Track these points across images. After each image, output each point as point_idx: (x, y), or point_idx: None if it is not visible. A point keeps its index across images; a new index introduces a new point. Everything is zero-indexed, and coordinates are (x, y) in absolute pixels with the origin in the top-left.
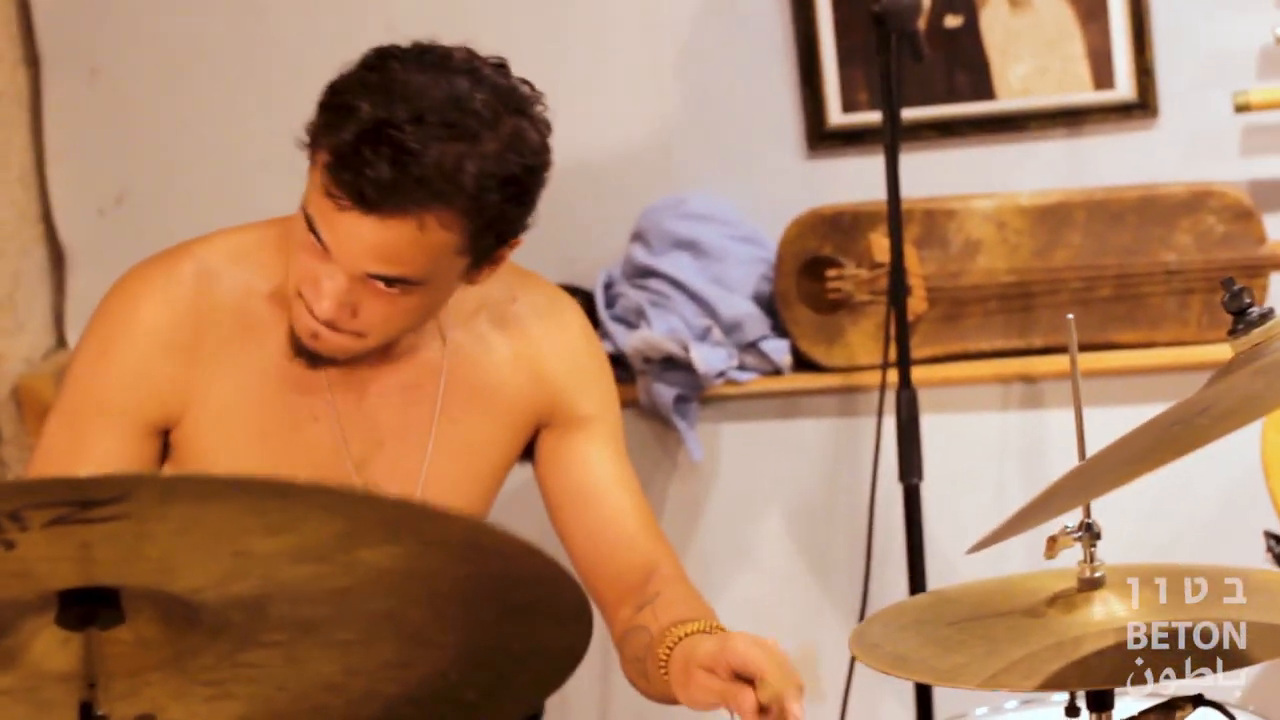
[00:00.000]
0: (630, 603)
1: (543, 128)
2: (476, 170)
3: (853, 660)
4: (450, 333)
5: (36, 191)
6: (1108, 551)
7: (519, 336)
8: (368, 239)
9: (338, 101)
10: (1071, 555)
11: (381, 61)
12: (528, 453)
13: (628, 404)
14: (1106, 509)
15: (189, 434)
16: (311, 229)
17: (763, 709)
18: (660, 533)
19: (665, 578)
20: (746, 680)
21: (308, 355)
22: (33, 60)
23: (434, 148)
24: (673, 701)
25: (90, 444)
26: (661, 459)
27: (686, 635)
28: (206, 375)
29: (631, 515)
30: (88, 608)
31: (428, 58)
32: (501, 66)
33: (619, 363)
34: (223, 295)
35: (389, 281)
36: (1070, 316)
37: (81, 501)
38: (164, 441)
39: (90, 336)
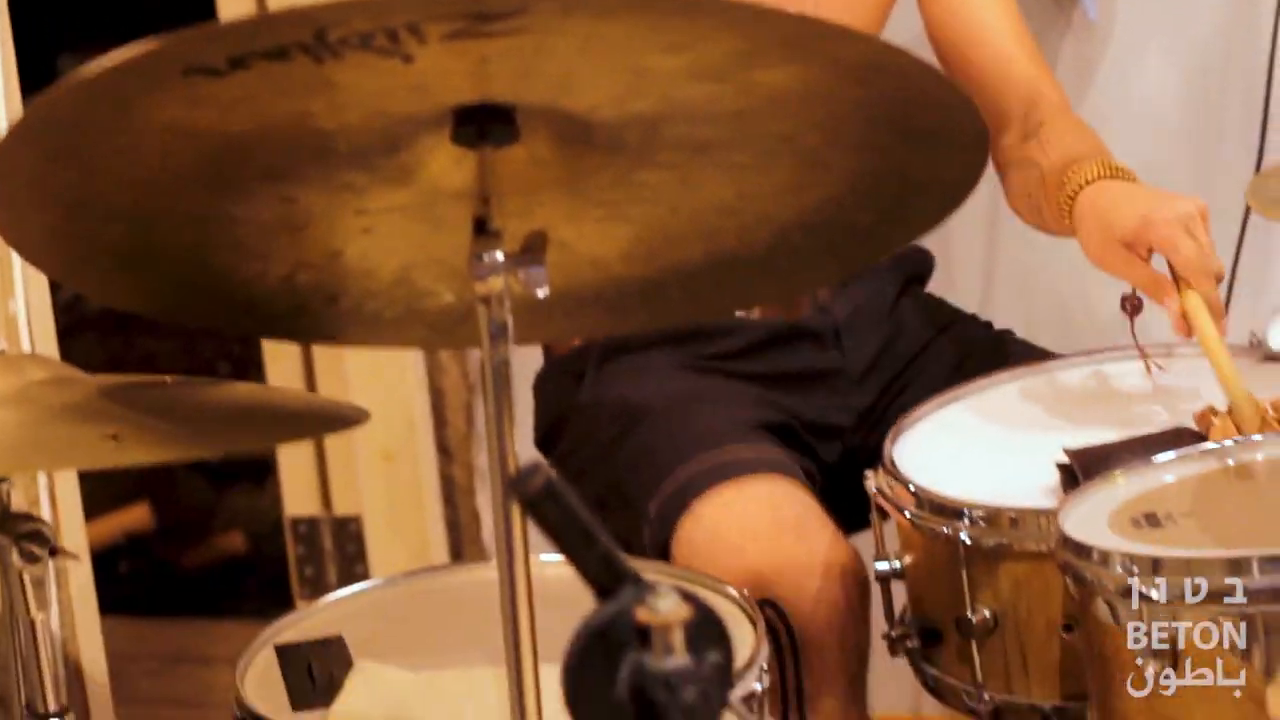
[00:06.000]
0: (1012, 130)
1: None
2: None
3: (1246, 213)
4: None
5: None
6: None
7: None
8: None
9: None
10: None
11: None
12: None
13: None
14: None
15: None
16: None
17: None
18: (1042, 60)
19: (1050, 106)
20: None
21: None
22: None
23: None
24: (1063, 234)
25: None
26: (1056, 17)
27: (1088, 182)
28: None
29: (1008, 31)
30: (483, 124)
31: None
32: None
33: None
34: None
35: None
36: None
37: (481, 14)
38: None
39: None
